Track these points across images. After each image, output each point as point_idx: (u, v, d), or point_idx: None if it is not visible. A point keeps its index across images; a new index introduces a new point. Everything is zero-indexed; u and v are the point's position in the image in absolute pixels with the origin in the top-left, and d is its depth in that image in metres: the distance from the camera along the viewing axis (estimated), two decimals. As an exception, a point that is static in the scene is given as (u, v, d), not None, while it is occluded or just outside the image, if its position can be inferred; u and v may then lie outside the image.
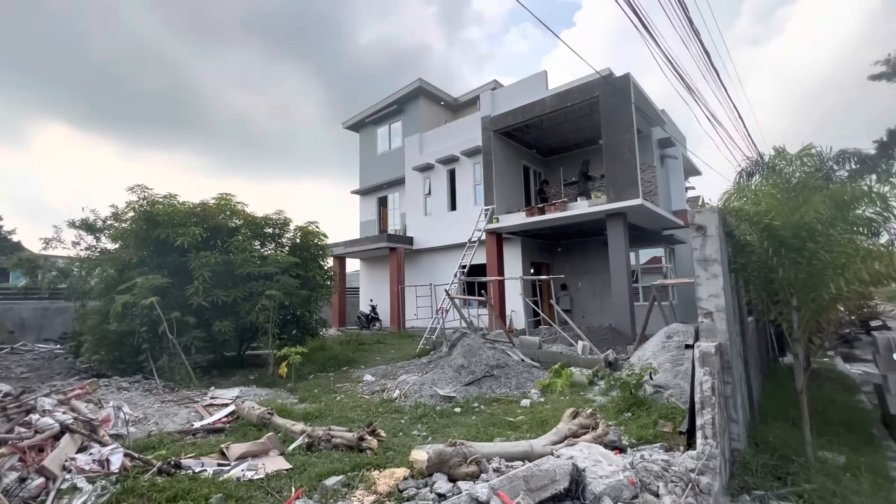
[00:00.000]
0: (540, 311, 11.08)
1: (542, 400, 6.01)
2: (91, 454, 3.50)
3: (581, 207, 12.09)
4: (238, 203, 10.06)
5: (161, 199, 9.21)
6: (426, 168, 18.10)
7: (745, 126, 17.92)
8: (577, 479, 2.87)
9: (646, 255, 15.61)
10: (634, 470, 2.99)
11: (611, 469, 2.85)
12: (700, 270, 4.02)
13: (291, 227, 10.88)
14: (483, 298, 10.37)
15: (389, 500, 3.14)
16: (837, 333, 7.62)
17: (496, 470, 3.30)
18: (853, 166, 13.97)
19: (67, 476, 3.12)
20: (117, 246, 9.54)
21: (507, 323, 14.00)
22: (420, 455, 3.44)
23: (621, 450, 3.74)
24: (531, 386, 6.69)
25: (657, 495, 2.73)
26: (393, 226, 20.72)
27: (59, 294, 13.56)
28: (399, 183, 19.79)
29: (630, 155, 11.21)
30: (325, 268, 11.36)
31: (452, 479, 3.33)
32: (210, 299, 8.36)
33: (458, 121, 18.46)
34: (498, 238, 14.46)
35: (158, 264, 8.79)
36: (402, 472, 3.49)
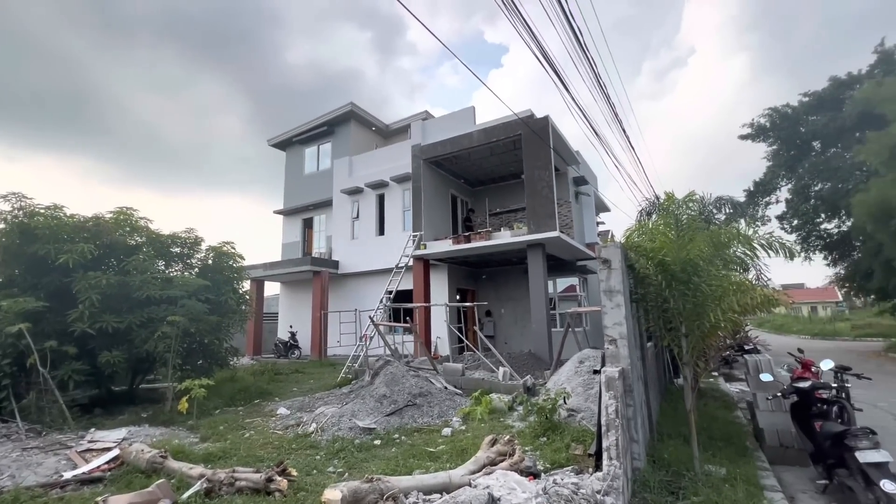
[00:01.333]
0: (464, 338, 11.24)
1: (463, 428, 6.02)
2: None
3: (504, 237, 12.66)
4: (141, 218, 9.11)
5: (43, 211, 8.05)
6: (355, 191, 17.89)
7: (644, 170, 20.20)
8: (492, 508, 2.89)
9: (562, 283, 16.65)
10: (546, 495, 3.09)
11: (524, 496, 2.92)
12: (606, 300, 4.37)
13: (203, 246, 10.06)
14: (408, 325, 10.29)
15: (297, 548, 2.91)
16: (719, 357, 8.64)
17: (415, 506, 3.22)
18: (728, 211, 16.36)
19: None
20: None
21: (433, 350, 13.98)
22: (333, 495, 3.25)
23: (536, 475, 3.84)
24: (453, 414, 6.69)
25: (566, 519, 2.83)
26: (318, 248, 20.01)
27: None
28: (326, 205, 19.30)
29: (549, 190, 12.05)
30: (240, 291, 10.58)
31: (367, 519, 3.19)
32: (98, 326, 7.36)
33: (389, 147, 18.63)
34: (425, 264, 14.57)
35: (33, 285, 7.60)
36: (312, 514, 3.27)
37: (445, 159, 15.23)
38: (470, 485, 3.37)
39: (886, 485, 3.39)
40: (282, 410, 7.51)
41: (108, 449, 5.12)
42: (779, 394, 4.87)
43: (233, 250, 10.29)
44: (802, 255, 21.11)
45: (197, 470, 4.34)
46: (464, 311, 15.94)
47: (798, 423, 4.73)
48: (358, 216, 17.90)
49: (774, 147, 20.80)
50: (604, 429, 3.75)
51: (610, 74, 28.37)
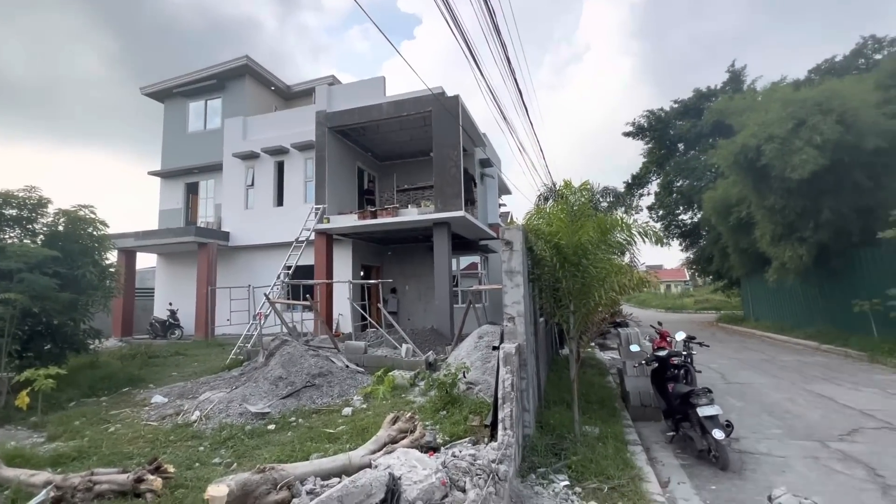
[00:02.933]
0: (367, 316, 11.08)
1: (364, 407, 5.97)
2: None
3: (411, 214, 12.61)
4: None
5: None
6: (250, 156, 16.27)
7: (544, 156, 21.50)
8: (394, 488, 2.90)
9: (465, 261, 17.25)
10: (446, 469, 3.18)
11: (424, 473, 2.97)
12: (507, 280, 4.58)
13: (50, 210, 8.33)
14: (308, 303, 9.79)
15: (174, 553, 2.62)
16: (598, 331, 9.77)
17: (310, 492, 3.10)
18: (610, 200, 18.36)
19: None
20: None
21: (335, 327, 13.59)
22: (218, 491, 2.98)
23: (436, 450, 3.96)
24: (355, 393, 6.58)
25: (464, 490, 2.95)
26: (204, 217, 17.95)
27: None
28: (214, 169, 17.29)
29: (456, 170, 12.22)
30: (104, 264, 9.04)
31: (258, 512, 2.99)
32: None
33: (291, 110, 17.20)
34: (328, 239, 13.94)
35: None
36: (193, 514, 2.97)
37: (353, 130, 14.53)
38: (370, 465, 3.34)
39: (716, 433, 4.15)
40: (157, 398, 6.70)
41: None
42: (643, 361, 5.63)
43: (92, 216, 8.68)
44: (665, 240, 24.58)
45: (41, 476, 3.68)
46: (368, 288, 15.68)
47: (655, 386, 5.53)
48: (253, 184, 16.36)
49: (650, 145, 23.63)
50: (500, 401, 3.97)
51: (518, 59, 29.39)
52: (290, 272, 12.52)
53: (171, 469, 3.71)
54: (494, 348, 5.88)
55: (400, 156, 17.06)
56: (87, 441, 4.97)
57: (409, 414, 4.38)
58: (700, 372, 6.61)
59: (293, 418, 5.54)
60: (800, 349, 11.72)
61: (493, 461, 3.37)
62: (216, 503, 2.95)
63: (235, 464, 4.19)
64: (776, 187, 11.13)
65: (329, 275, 13.48)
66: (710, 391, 4.55)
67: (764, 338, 14.34)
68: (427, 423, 5.00)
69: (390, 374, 6.47)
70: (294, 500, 3.05)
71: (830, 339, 11.45)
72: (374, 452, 3.84)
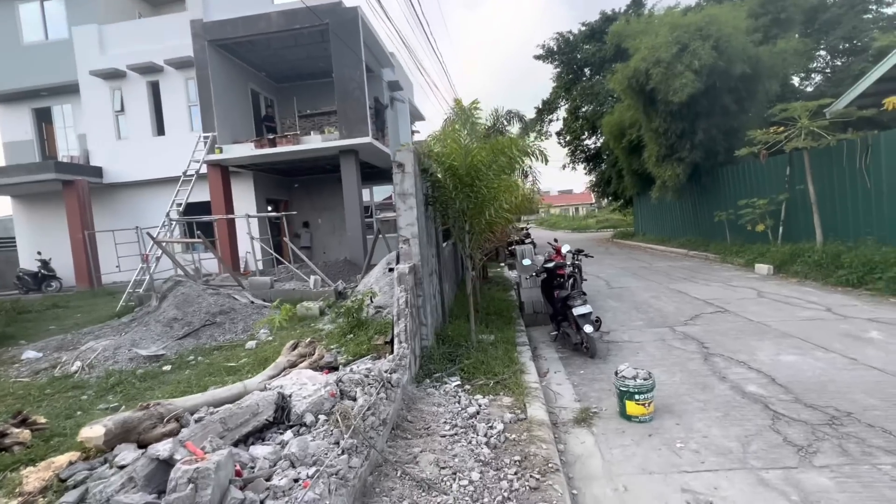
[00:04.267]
0: (272, 252, 10.62)
1: (271, 339, 5.93)
2: None
3: (314, 142, 11.81)
4: None
5: None
6: (114, 75, 13.75)
7: (447, 75, 20.85)
8: (283, 405, 3.00)
9: (381, 192, 16.89)
10: (341, 383, 3.34)
11: (314, 388, 3.10)
12: (400, 203, 4.59)
13: None
14: (201, 240, 9.07)
15: (46, 496, 2.53)
16: (493, 249, 10.41)
17: (198, 420, 3.09)
18: (519, 125, 18.68)
19: None
20: None
21: (243, 266, 12.90)
22: (93, 431, 2.86)
23: (335, 369, 4.12)
24: (263, 328, 6.48)
25: (354, 399, 3.15)
26: (67, 151, 15.26)
27: None
28: (69, 91, 14.45)
29: (360, 92, 11.46)
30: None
31: (144, 446, 2.94)
32: None
33: (161, 18, 14.53)
34: (223, 172, 12.69)
35: None
36: (67, 457, 2.84)
37: (239, 44, 12.73)
38: (266, 388, 3.40)
39: (587, 327, 4.79)
40: (29, 354, 6.04)
41: None
42: (534, 273, 6.17)
43: None
44: (571, 165, 26.00)
45: None
46: (277, 223, 14.89)
47: (545, 294, 6.14)
48: (123, 109, 14.03)
49: (558, 70, 23.89)
50: (395, 318, 4.16)
51: (427, -30, 26.98)
52: (180, 209, 11.37)
53: (41, 420, 3.47)
54: (391, 269, 6.03)
55: (299, 76, 15.51)
56: (-62, 406, 4.41)
57: (309, 339, 4.45)
58: (586, 280, 7.44)
59: (191, 357, 5.36)
60: (673, 256, 13.59)
61: (387, 371, 3.60)
62: (93, 442, 2.85)
63: (123, 407, 4.02)
64: (661, 110, 12.06)
65: (228, 211, 12.48)
66: (584, 293, 5.17)
67: (647, 249, 16.34)
68: (332, 346, 5.13)
69: (287, 304, 6.39)
70: (183, 431, 3.04)
71: (696, 246, 13.39)
72: (272, 378, 3.89)
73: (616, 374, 3.59)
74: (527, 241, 11.86)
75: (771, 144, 9.59)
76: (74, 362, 5.29)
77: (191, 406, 3.34)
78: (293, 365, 4.12)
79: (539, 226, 41.81)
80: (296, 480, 2.16)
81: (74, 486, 2.57)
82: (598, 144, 23.60)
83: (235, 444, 2.67)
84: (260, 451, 2.52)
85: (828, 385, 3.77)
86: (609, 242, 21.22)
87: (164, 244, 8.72)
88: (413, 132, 18.79)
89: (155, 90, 13.94)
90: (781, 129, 9.41)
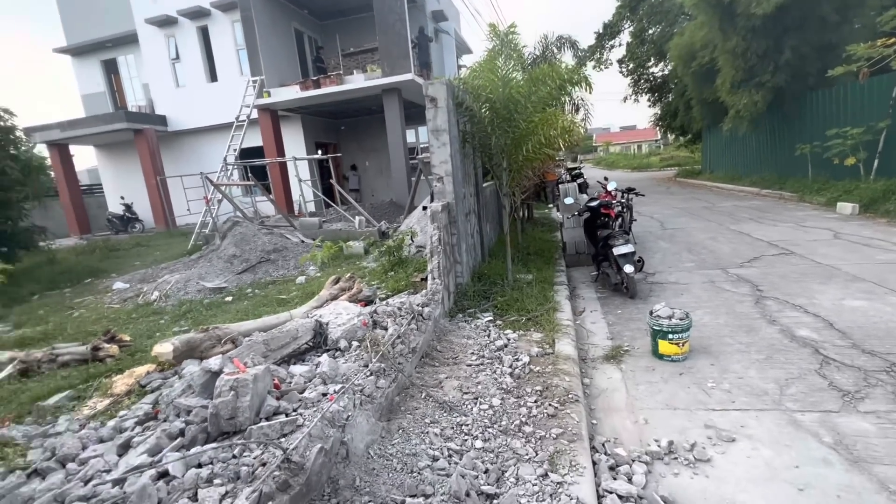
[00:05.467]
0: (319, 193, 10.98)
1: (318, 275, 6.31)
2: None
3: (357, 81, 11.65)
4: None
5: None
6: (167, 22, 14.09)
7: (495, 5, 19.25)
8: (321, 331, 3.25)
9: (426, 133, 16.59)
10: (375, 314, 3.54)
11: (348, 317, 3.30)
12: (433, 140, 4.50)
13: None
14: (252, 183, 9.54)
15: (130, 398, 3.00)
16: (544, 189, 10.02)
17: (247, 342, 3.44)
18: (580, 54, 17.05)
19: None
20: None
21: (296, 208, 13.53)
22: (164, 347, 3.29)
23: (370, 302, 4.34)
24: (310, 264, 6.89)
25: (386, 329, 3.33)
26: (135, 101, 16.25)
27: None
28: (131, 41, 15.06)
29: (401, 25, 10.95)
30: (24, 158, 8.41)
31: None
32: None
33: (203, -42, 14.39)
34: (273, 116, 12.99)
35: None
36: (145, 368, 3.32)
37: (280, -20, 12.46)
38: (307, 317, 3.68)
39: (627, 267, 4.63)
40: (118, 285, 6.90)
41: None
42: (576, 213, 5.93)
43: (-9, 103, 7.79)
44: (633, 97, 23.83)
45: (6, 354, 3.95)
46: (327, 167, 15.26)
47: (587, 234, 5.94)
48: (178, 57, 14.50)
49: (624, -14, 21.20)
50: (428, 254, 4.25)
51: None
52: (236, 154, 11.93)
53: (126, 338, 4.02)
54: (424, 208, 6.06)
55: (341, 12, 15.01)
56: (51, 325, 5.24)
57: (349, 275, 4.68)
58: (636, 220, 7.07)
59: (249, 290, 5.87)
60: (741, 196, 12.44)
61: (419, 304, 3.75)
62: (164, 357, 3.30)
63: (191, 330, 4.55)
64: (740, 27, 10.50)
65: (280, 155, 12.91)
66: (627, 233, 4.94)
67: (713, 188, 15.05)
68: (374, 283, 5.38)
69: (329, 242, 6.69)
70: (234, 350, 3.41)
71: (770, 184, 12.12)
72: (315, 309, 4.19)
73: (651, 313, 3.49)
74: (577, 180, 11.34)
75: (875, 61, 8.14)
76: (153, 292, 6.00)
77: (244, 330, 3.71)
78: (334, 298, 4.40)
79: (596, 165, 39.56)
80: (324, 395, 2.38)
81: (151, 392, 3.02)
82: (665, 72, 21.27)
83: (279, 364, 2.97)
84: (297, 369, 2.78)
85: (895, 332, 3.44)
86: (671, 181, 19.75)
87: (222, 188, 9.30)
88: (459, 66, 17.90)
89: (205, 35, 14.19)
90: (893, 40, 7.91)
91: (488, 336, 3.82)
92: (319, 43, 15.29)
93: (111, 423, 2.59)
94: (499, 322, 4.16)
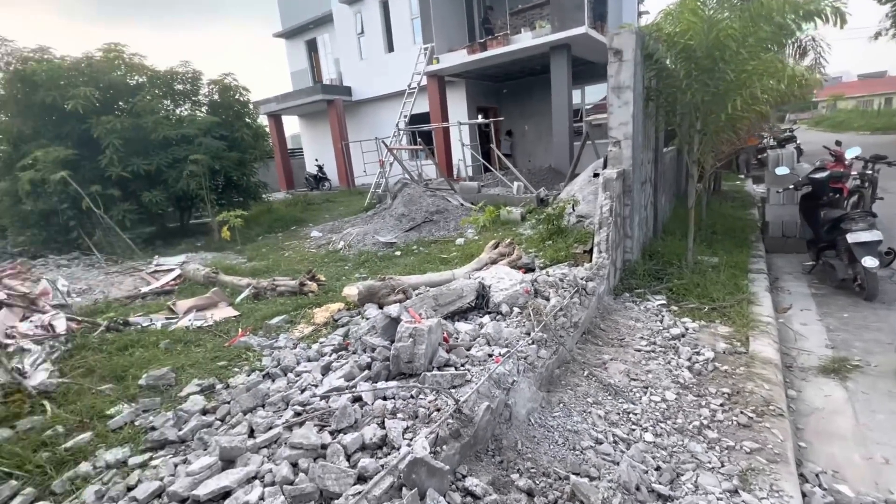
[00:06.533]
0: (480, 158, 11.13)
1: (476, 238, 6.51)
2: (32, 321, 3.65)
3: (524, 40, 11.19)
4: (132, 55, 8.59)
5: (31, 55, 7.73)
6: (355, 0, 15.61)
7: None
8: (483, 293, 3.33)
9: (594, 93, 15.26)
10: (536, 283, 3.48)
11: (510, 283, 3.30)
12: (613, 98, 4.06)
13: (204, 81, 9.64)
14: (420, 147, 10.16)
15: (326, 329, 3.59)
16: (737, 158, 8.25)
17: (418, 294, 3.74)
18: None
19: (12, 342, 3.29)
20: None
21: (455, 172, 14.10)
22: (351, 290, 3.82)
23: (530, 270, 4.27)
24: (469, 227, 7.15)
25: (547, 299, 3.24)
26: (328, 75, 18.71)
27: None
28: (328, 21, 17.21)
29: (576, -31, 10.00)
30: (254, 126, 10.52)
31: (382, 307, 3.78)
32: (129, 169, 7.79)
33: (387, -67, 15.33)
34: (440, 82, 13.52)
35: (57, 134, 7.84)
36: (337, 306, 3.91)
37: (454, -58, 12.51)
38: (468, 278, 3.82)
39: (867, 260, 3.56)
40: (314, 233, 8.27)
41: (171, 270, 6.02)
42: (791, 186, 4.76)
43: (235, 82, 9.85)
44: (892, 31, 17.80)
45: (245, 280, 5.12)
46: (486, 131, 15.41)
47: (804, 213, 4.74)
48: (363, 31, 16.04)
49: None
50: (596, 226, 3.95)
51: None
52: (406, 120, 12.86)
53: (322, 278, 4.80)
54: (595, 175, 5.57)
55: (511, -34, 14.45)
56: (270, 261, 6.59)
57: (509, 240, 4.68)
58: (881, 199, 5.38)
59: (415, 247, 6.40)
60: None
61: (583, 278, 3.54)
62: (350, 298, 3.83)
63: (369, 278, 5.19)
64: None
65: (444, 120, 13.47)
66: (872, 215, 3.77)
67: None
68: (531, 250, 5.30)
69: (491, 206, 6.73)
70: (406, 301, 3.76)
71: None
72: (475, 270, 4.33)
73: (906, 323, 2.63)
74: (787, 146, 9.14)
75: None
76: (339, 242, 7.01)
77: (413, 283, 4.06)
78: (493, 262, 4.47)
79: (814, 126, 31.17)
80: (489, 355, 2.44)
81: (341, 326, 3.56)
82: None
83: (445, 318, 3.16)
84: (462, 326, 2.91)
85: None
86: (937, 148, 14.40)
87: (394, 151, 10.19)
88: (640, 14, 15.72)
89: (385, 9, 15.31)
90: None
91: (661, 322, 3.42)
92: (488, 2, 15.10)
93: (314, 346, 3.14)
94: (674, 308, 3.68)
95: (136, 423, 2.41)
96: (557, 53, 10.86)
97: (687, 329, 3.27)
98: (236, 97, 9.90)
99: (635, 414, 2.36)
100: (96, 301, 4.96)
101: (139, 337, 3.55)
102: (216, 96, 9.77)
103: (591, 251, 4.50)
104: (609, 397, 2.52)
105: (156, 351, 3.33)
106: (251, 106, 10.30)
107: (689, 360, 2.85)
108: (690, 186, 4.56)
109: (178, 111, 9.24)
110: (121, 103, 8.48)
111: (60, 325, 3.65)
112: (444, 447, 1.77)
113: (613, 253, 3.95)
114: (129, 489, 1.84)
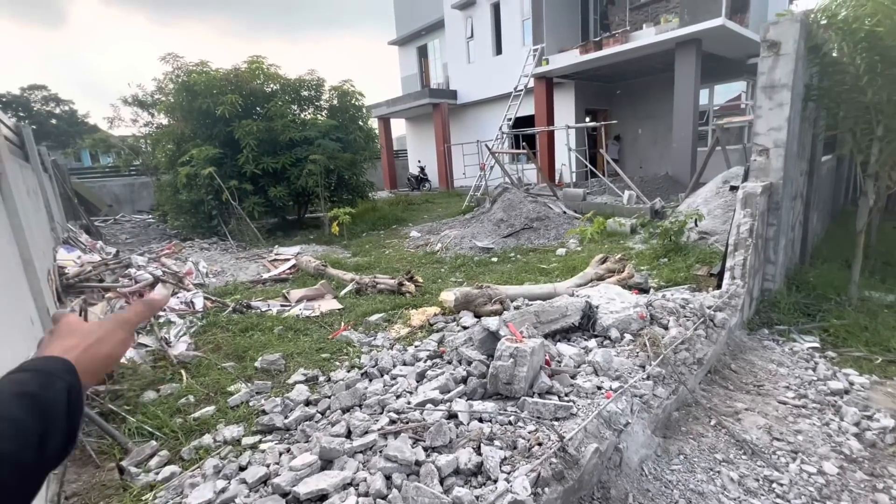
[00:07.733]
0: (586, 163, 10.50)
1: (578, 249, 6.11)
2: (179, 297, 4.22)
3: (647, 36, 10.31)
4: (270, 65, 9.69)
5: (194, 68, 9.11)
6: (467, 4, 15.85)
7: None
8: (589, 314, 3.04)
9: (723, 93, 13.57)
10: (651, 307, 3.09)
11: (622, 305, 2.97)
12: (763, 99, 3.45)
13: (326, 87, 10.50)
14: (524, 151, 9.88)
15: (421, 332, 3.59)
16: None
17: (517, 308, 3.56)
18: None
19: (163, 314, 3.84)
20: (168, 121, 9.91)
21: (557, 177, 13.56)
22: (448, 296, 3.78)
23: (643, 291, 3.83)
24: (572, 237, 6.75)
25: (666, 328, 2.85)
26: (436, 79, 19.32)
27: (136, 170, 14.79)
28: (438, 27, 17.75)
29: (715, -43, 8.91)
30: (367, 129, 11.20)
31: (477, 316, 3.68)
32: (260, 167, 8.78)
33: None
34: (548, 84, 13.09)
35: (208, 135, 9.13)
36: (433, 310, 3.90)
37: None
38: (573, 294, 3.55)
39: None
40: (414, 233, 8.51)
41: (288, 260, 6.62)
42: None
43: (353, 88, 10.57)
44: None
45: (349, 275, 5.40)
46: (593, 136, 14.58)
47: None
48: (472, 35, 16.22)
49: None
50: (731, 248, 3.40)
51: None
52: (510, 123, 12.67)
53: (420, 279, 4.86)
54: (733, 188, 4.83)
55: (634, -42, 13.46)
56: (372, 258, 6.91)
57: (619, 255, 4.27)
58: None
59: (512, 254, 6.21)
60: None
61: (710, 307, 3.07)
62: (447, 304, 3.79)
63: (465, 283, 5.13)
64: None
65: (549, 123, 13.02)
66: None
67: None
68: (643, 268, 4.80)
69: (600, 217, 6.25)
70: (505, 313, 3.60)
71: None
72: (579, 286, 4.02)
73: None
74: None
75: None
76: (437, 243, 7.10)
77: (511, 294, 3.89)
78: (600, 278, 4.11)
79: None
80: (598, 388, 2.18)
81: (437, 331, 3.53)
82: None
83: (545, 337, 2.95)
84: (566, 349, 2.68)
85: None
86: None
87: (497, 155, 10.08)
88: (791, 0, 13.55)
89: (496, 11, 15.29)
90: None
91: (813, 370, 2.81)
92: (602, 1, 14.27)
93: (410, 349, 3.15)
94: (830, 354, 3.01)
95: (251, 404, 2.61)
96: (685, 49, 9.81)
97: (852, 384, 2.64)
98: (352, 102, 10.62)
99: (781, 484, 1.93)
100: (227, 283, 5.63)
101: (258, 321, 3.91)
102: (335, 101, 10.58)
103: (717, 275, 3.92)
104: (744, 457, 2.10)
105: (270, 336, 3.63)
106: (365, 110, 10.95)
107: (857, 425, 2.28)
108: (862, 205, 3.72)
109: (302, 115, 10.18)
110: (258, 108, 9.61)
111: (199, 302, 4.18)
112: (546, 490, 1.59)
113: (750, 280, 3.37)
114: (241, 469, 1.97)
